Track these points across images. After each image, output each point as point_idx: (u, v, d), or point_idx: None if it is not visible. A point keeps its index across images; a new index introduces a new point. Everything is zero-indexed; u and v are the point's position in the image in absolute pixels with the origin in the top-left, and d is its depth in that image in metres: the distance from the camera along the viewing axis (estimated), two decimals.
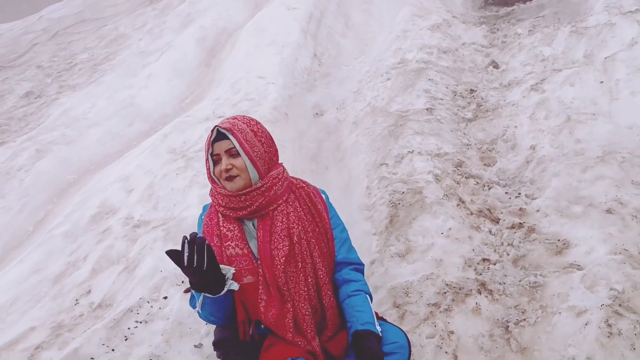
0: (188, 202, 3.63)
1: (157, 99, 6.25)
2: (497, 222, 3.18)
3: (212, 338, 2.59)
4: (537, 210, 3.20)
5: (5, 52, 9.04)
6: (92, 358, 2.54)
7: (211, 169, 2.13)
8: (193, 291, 1.99)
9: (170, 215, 3.55)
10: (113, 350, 2.58)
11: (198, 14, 8.24)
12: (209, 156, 2.10)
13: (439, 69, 5.41)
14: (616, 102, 4.03)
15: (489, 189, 3.49)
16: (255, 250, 2.10)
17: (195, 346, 2.59)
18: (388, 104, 4.82)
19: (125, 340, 2.63)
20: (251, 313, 2.12)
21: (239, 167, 2.06)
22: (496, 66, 5.49)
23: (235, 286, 1.91)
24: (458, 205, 3.28)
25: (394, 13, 7.56)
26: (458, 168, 3.72)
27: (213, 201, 2.19)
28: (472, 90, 5.04)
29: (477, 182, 3.57)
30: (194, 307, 2.08)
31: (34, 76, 7.59)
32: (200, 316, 2.12)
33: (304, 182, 2.32)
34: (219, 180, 2.12)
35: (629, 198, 3.10)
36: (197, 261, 1.76)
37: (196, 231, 1.86)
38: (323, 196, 2.33)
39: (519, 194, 3.43)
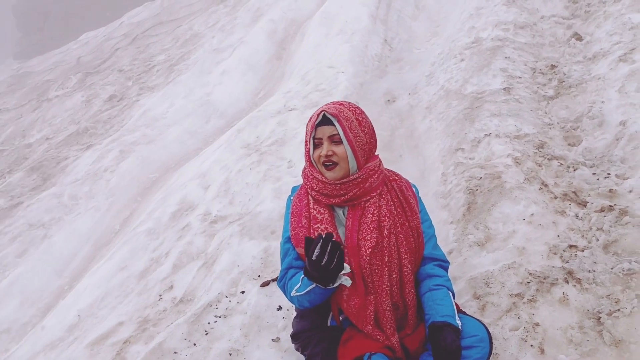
0: (262, 197, 3.65)
1: (231, 95, 6.36)
2: (585, 206, 2.97)
3: (289, 332, 2.61)
4: (630, 191, 2.96)
5: (92, 58, 9.54)
6: (175, 352, 2.61)
7: (311, 152, 2.11)
8: (302, 278, 2.01)
9: (246, 210, 3.59)
10: (195, 344, 2.64)
11: (268, 8, 8.31)
12: (311, 139, 2.09)
13: (516, 45, 5.14)
14: None
15: (575, 170, 3.26)
16: (343, 237, 2.08)
17: (272, 340, 2.60)
18: (462, 86, 4.64)
19: (206, 334, 2.68)
20: (334, 297, 2.12)
21: (339, 155, 2.04)
22: (579, 38, 5.14)
23: (348, 282, 1.91)
24: (540, 189, 3.10)
25: None
26: (540, 149, 3.51)
27: (306, 183, 2.19)
28: (553, 66, 4.75)
29: (561, 164, 3.36)
30: (283, 287, 2.15)
31: (116, 80, 7.94)
32: (292, 300, 2.15)
33: (397, 175, 2.28)
34: (316, 164, 2.11)
35: None
36: (327, 261, 1.80)
37: (328, 233, 1.86)
38: (414, 190, 2.27)
39: (609, 174, 3.19)
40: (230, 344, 2.59)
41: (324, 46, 6.38)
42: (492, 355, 2.14)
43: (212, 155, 4.50)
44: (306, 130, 2.15)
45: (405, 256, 2.12)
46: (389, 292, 2.08)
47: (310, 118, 2.13)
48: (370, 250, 2.04)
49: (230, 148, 4.45)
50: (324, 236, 1.80)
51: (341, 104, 2.11)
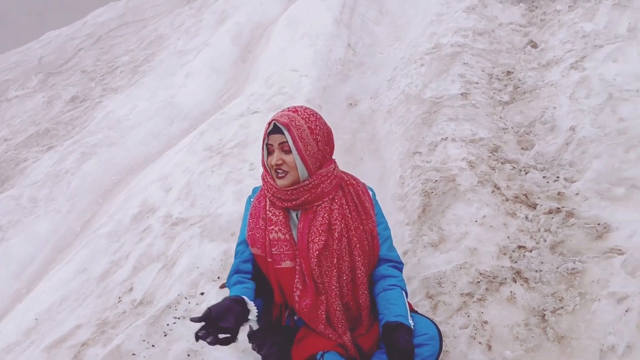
0: (223, 199, 3.68)
1: (195, 97, 6.36)
2: (534, 208, 3.09)
3: (246, 332, 2.65)
4: (577, 194, 3.10)
5: (54, 58, 9.38)
6: (133, 354, 2.62)
7: (265, 158, 2.16)
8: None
9: (207, 212, 3.61)
10: (153, 346, 2.65)
11: (233, 10, 8.32)
12: (265, 145, 2.14)
13: (474, 52, 5.28)
14: None
15: (526, 173, 3.39)
16: (296, 240, 2.15)
17: None
18: (422, 90, 4.75)
19: (165, 336, 2.70)
20: (287, 298, 2.18)
21: (289, 164, 2.09)
22: (534, 46, 5.32)
23: (254, 326, 2.04)
24: (493, 191, 3.21)
25: None
26: (494, 153, 3.63)
27: (264, 187, 2.24)
28: (509, 72, 4.90)
29: (514, 167, 3.48)
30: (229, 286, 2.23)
31: (79, 81, 7.84)
32: None
33: (355, 179, 2.33)
34: (270, 170, 2.16)
35: None
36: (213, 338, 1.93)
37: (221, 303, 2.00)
38: (370, 193, 2.33)
39: (558, 177, 3.32)
40: (188, 345, 2.61)
41: (289, 50, 6.43)
42: (442, 352, 2.21)
43: (174, 157, 4.51)
44: (262, 138, 2.20)
45: (359, 258, 2.18)
46: (338, 293, 2.14)
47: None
48: (317, 252, 2.09)
49: (192, 150, 4.46)
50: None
51: (295, 111, 2.13)
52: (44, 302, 3.47)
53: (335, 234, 2.13)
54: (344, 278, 2.15)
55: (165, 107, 6.15)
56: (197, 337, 1.89)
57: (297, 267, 2.11)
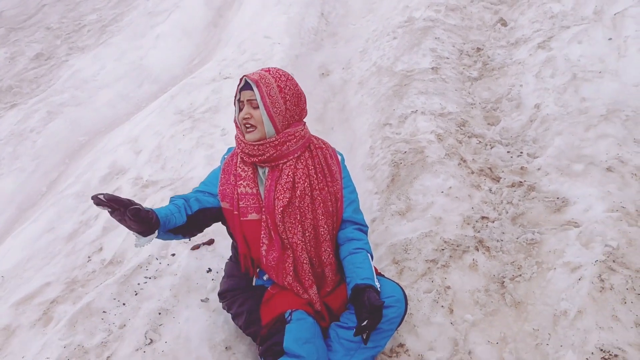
0: (194, 163, 3.70)
1: (165, 60, 6.27)
2: (498, 181, 3.22)
3: (217, 292, 2.72)
4: (538, 169, 3.23)
5: (15, 13, 9.03)
6: (104, 311, 2.66)
7: (236, 114, 2.23)
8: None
9: (178, 175, 3.63)
10: (124, 304, 2.69)
11: None
12: (236, 102, 2.23)
13: (446, 27, 5.35)
14: (623, 59, 3.99)
15: (491, 148, 3.51)
16: (263, 196, 2.22)
17: (202, 300, 2.70)
18: (393, 63, 4.81)
19: (135, 295, 2.74)
20: (253, 252, 2.27)
21: (256, 118, 2.17)
22: (504, 24, 5.42)
23: (142, 241, 1.98)
24: (459, 164, 3.32)
25: None
26: (461, 127, 3.73)
27: (236, 143, 2.32)
28: (478, 49, 4.99)
29: (480, 142, 3.59)
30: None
31: (43, 38, 7.60)
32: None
33: (325, 143, 2.41)
34: (240, 125, 2.23)
35: (630, 156, 3.12)
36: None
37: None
38: (340, 157, 2.41)
39: (521, 152, 3.45)
40: (159, 304, 2.66)
41: (261, 16, 6.38)
42: (407, 314, 2.33)
43: (144, 120, 4.47)
44: (234, 94, 2.27)
45: (322, 217, 2.27)
46: (304, 247, 2.23)
47: None
48: (282, 208, 2.18)
49: (163, 114, 4.44)
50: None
51: (268, 71, 2.22)
52: (9, 260, 3.45)
53: (298, 191, 2.22)
54: (307, 235, 2.24)
55: (134, 69, 6.05)
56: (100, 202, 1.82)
57: (262, 222, 2.19)
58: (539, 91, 4.02)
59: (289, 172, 2.23)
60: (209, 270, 2.87)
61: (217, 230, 3.12)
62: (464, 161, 3.35)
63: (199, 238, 3.09)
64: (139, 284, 2.81)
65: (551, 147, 3.37)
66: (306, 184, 2.24)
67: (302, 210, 2.22)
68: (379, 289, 2.18)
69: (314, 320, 2.18)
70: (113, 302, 2.71)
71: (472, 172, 3.27)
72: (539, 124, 3.66)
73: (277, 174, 2.23)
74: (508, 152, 3.47)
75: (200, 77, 5.00)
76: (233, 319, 2.45)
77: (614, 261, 2.42)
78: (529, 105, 3.94)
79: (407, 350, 2.35)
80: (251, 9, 6.72)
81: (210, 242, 3.04)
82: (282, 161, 2.23)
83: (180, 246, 3.03)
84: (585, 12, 4.92)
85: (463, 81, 4.45)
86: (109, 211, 1.85)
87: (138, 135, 4.20)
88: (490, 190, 3.14)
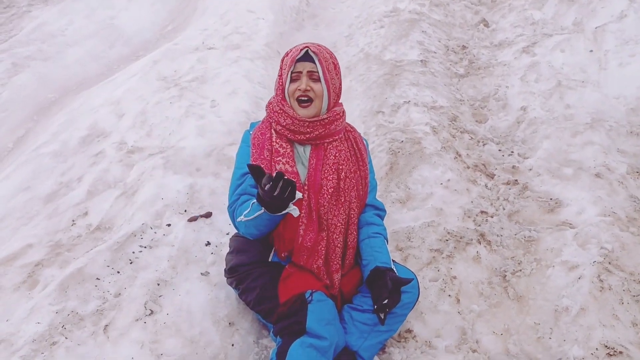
0: (184, 132, 3.58)
1: (138, 23, 6.01)
2: (492, 178, 3.30)
3: (218, 267, 2.65)
4: (530, 169, 3.34)
5: None
6: (97, 278, 2.54)
7: (286, 86, 2.13)
8: (252, 203, 2.01)
9: (167, 144, 3.50)
10: (118, 272, 2.58)
11: None
12: (289, 73, 2.12)
13: (431, 21, 5.41)
14: (604, 72, 4.18)
15: (484, 145, 3.59)
16: (301, 174, 2.15)
17: (202, 274, 2.62)
18: (382, 52, 4.82)
19: (131, 263, 2.64)
20: (286, 231, 2.17)
21: (316, 92, 2.10)
22: (486, 24, 5.54)
23: (295, 212, 1.93)
24: (455, 158, 3.38)
25: None
26: (453, 122, 3.80)
27: (271, 117, 2.22)
28: (464, 47, 5.08)
29: (472, 138, 3.67)
30: (232, 213, 2.17)
31: None
32: (238, 226, 2.18)
33: (352, 127, 2.39)
34: (289, 98, 2.14)
35: (615, 165, 3.28)
36: (279, 193, 1.80)
37: (278, 173, 1.81)
38: (365, 143, 2.40)
39: (512, 152, 3.55)
40: (157, 275, 2.57)
41: None
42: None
43: (125, 83, 4.28)
44: (282, 65, 2.18)
45: (355, 200, 2.26)
46: (342, 230, 2.21)
47: (288, 53, 2.17)
48: (332, 189, 2.15)
49: (145, 79, 4.26)
50: (274, 176, 1.80)
51: (319, 46, 2.17)
52: None
53: (343, 173, 2.19)
54: (344, 217, 2.21)
55: (105, 28, 5.76)
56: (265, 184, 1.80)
57: (304, 202, 2.13)
58: (524, 94, 4.15)
59: (335, 152, 2.19)
60: (208, 243, 2.80)
61: (214, 204, 3.05)
62: (459, 155, 3.42)
63: (195, 210, 3.02)
64: (133, 252, 2.70)
65: (540, 150, 3.49)
66: (347, 166, 2.21)
67: (344, 193, 2.20)
68: (396, 274, 2.20)
69: (332, 302, 2.17)
70: (107, 270, 2.60)
71: (468, 167, 3.34)
72: (527, 125, 3.78)
73: (322, 153, 2.18)
74: (499, 150, 3.56)
75: (182, 44, 4.83)
76: (241, 294, 2.38)
77: (609, 263, 2.55)
78: (515, 106, 4.05)
79: (414, 336, 2.38)
80: None
81: (208, 214, 2.95)
82: (327, 140, 2.18)
83: (175, 217, 2.94)
84: (565, 22, 5.10)
85: (451, 77, 4.53)
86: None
87: (120, 99, 4.02)
88: (486, 186, 3.22)
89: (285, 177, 1.80)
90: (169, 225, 2.88)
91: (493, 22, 5.58)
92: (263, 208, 1.93)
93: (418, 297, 2.31)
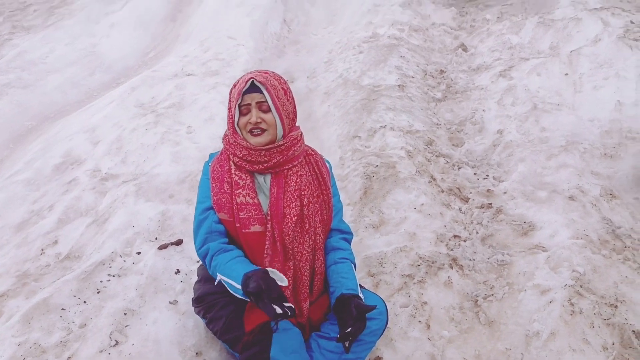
0: (159, 159, 3.56)
1: (120, 50, 6.03)
2: (467, 201, 3.30)
3: (187, 295, 2.61)
4: (504, 193, 3.34)
5: None
6: (63, 309, 2.49)
7: (236, 119, 2.11)
8: (238, 287, 1.98)
9: (141, 170, 3.48)
10: (85, 302, 2.53)
11: None
12: (236, 106, 2.09)
13: (410, 46, 5.47)
14: (579, 95, 4.22)
15: (459, 168, 3.59)
16: (263, 204, 2.12)
17: (170, 302, 2.58)
18: (360, 77, 4.85)
19: (98, 292, 2.59)
20: (253, 262, 2.14)
21: (268, 122, 2.06)
22: (465, 49, 5.60)
23: (284, 282, 1.93)
24: (430, 182, 3.38)
25: None
26: (429, 146, 3.81)
27: (228, 150, 2.18)
28: (442, 71, 5.13)
29: (447, 161, 3.67)
30: (207, 260, 2.13)
31: None
32: (212, 273, 2.14)
33: (313, 150, 2.35)
34: (241, 131, 2.12)
35: (589, 187, 3.29)
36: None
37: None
38: (328, 165, 2.37)
39: (487, 175, 3.55)
40: (124, 304, 2.53)
41: (223, 15, 6.28)
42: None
43: (102, 110, 4.27)
44: (230, 97, 2.14)
45: (319, 225, 2.23)
46: (308, 258, 2.18)
47: (235, 85, 2.13)
48: (296, 217, 2.11)
49: (122, 105, 4.25)
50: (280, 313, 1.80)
51: (266, 73, 2.13)
52: None
53: (305, 199, 2.16)
54: (310, 244, 2.19)
55: (86, 56, 5.78)
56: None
57: (267, 233, 2.10)
58: (500, 117, 4.18)
59: (296, 178, 2.16)
60: (178, 271, 2.76)
61: (186, 231, 3.02)
62: (434, 179, 3.42)
63: (166, 237, 2.99)
64: (101, 281, 2.66)
65: (515, 173, 3.50)
66: (310, 191, 2.19)
67: (309, 219, 2.17)
68: (363, 300, 2.17)
69: (299, 330, 2.13)
70: (73, 300, 2.55)
71: (442, 191, 3.34)
72: (503, 149, 3.79)
73: (282, 180, 2.15)
74: (475, 174, 3.57)
75: (162, 71, 4.84)
76: (208, 324, 2.34)
77: (581, 286, 2.53)
78: (491, 130, 4.08)
79: None
80: (212, 7, 6.60)
81: (179, 242, 2.92)
82: (286, 167, 2.16)
83: (145, 244, 2.90)
84: (542, 47, 5.17)
85: (428, 101, 4.55)
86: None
87: (96, 126, 4.00)
88: (460, 210, 3.22)
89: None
90: (138, 253, 2.84)
91: (472, 47, 5.65)
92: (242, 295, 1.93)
93: (387, 324, 2.27)
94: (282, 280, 1.90)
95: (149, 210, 3.11)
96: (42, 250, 3.01)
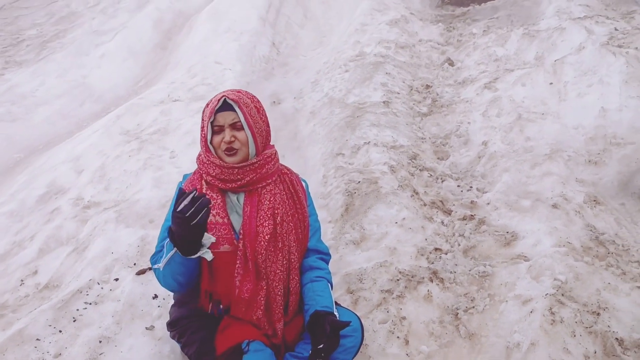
0: (141, 185, 3.56)
1: (110, 80, 6.09)
2: (449, 214, 3.26)
3: (163, 320, 2.58)
4: (488, 204, 3.30)
5: None
6: (37, 339, 2.47)
7: (208, 138, 2.10)
8: (166, 243, 1.97)
9: (123, 197, 3.48)
10: (60, 331, 2.51)
11: None
12: (209, 124, 2.08)
13: (396, 63, 5.48)
14: (564, 103, 4.19)
15: (442, 181, 3.57)
16: (235, 223, 2.10)
17: (146, 328, 2.55)
18: (345, 95, 4.86)
19: (74, 321, 2.56)
20: (219, 285, 2.11)
21: (241, 141, 2.06)
22: (451, 64, 5.61)
23: (209, 256, 1.89)
24: (412, 196, 3.35)
25: (353, 6, 7.59)
26: (413, 160, 3.79)
27: (201, 169, 2.17)
28: (428, 86, 5.13)
29: (431, 175, 3.65)
30: (154, 262, 2.10)
31: None
32: (158, 275, 2.11)
33: (288, 169, 2.35)
34: (215, 150, 2.11)
35: (573, 194, 3.25)
36: (192, 214, 1.75)
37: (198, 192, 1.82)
38: (304, 184, 2.36)
39: (471, 187, 3.52)
40: (100, 331, 2.50)
41: (212, 41, 6.33)
42: (362, 345, 2.29)
43: (87, 139, 4.29)
44: (203, 116, 2.14)
45: (294, 244, 2.20)
46: (282, 277, 2.15)
47: (208, 104, 2.13)
48: (268, 236, 2.09)
49: (107, 133, 4.27)
50: (196, 194, 1.77)
51: (239, 92, 2.14)
52: None
53: (279, 218, 2.14)
54: (284, 263, 2.16)
55: (76, 87, 5.83)
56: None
57: (239, 252, 2.08)
58: (486, 129, 4.16)
59: (269, 197, 2.14)
60: (155, 296, 2.73)
61: None
62: (417, 193, 3.39)
63: (145, 262, 2.97)
64: (77, 309, 2.63)
65: (499, 183, 3.47)
66: (283, 210, 2.17)
67: (282, 238, 2.15)
68: (337, 318, 2.13)
69: (271, 351, 2.09)
70: (48, 329, 2.52)
71: (425, 205, 3.30)
72: (487, 160, 3.76)
73: (255, 199, 2.13)
74: (458, 186, 3.54)
75: (148, 98, 4.87)
76: (183, 348, 2.30)
77: (562, 295, 2.48)
78: (476, 142, 4.05)
79: None
80: (201, 34, 6.66)
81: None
82: (260, 185, 2.15)
83: (124, 270, 2.88)
84: (527, 57, 5.18)
85: (413, 116, 4.55)
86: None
87: (80, 154, 4.02)
88: (442, 222, 3.18)
89: (205, 197, 1.78)
90: (116, 279, 2.82)
91: (458, 61, 5.66)
92: (175, 248, 1.89)
93: (362, 342, 2.23)
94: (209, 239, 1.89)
95: (129, 236, 3.09)
96: (22, 280, 2.99)
